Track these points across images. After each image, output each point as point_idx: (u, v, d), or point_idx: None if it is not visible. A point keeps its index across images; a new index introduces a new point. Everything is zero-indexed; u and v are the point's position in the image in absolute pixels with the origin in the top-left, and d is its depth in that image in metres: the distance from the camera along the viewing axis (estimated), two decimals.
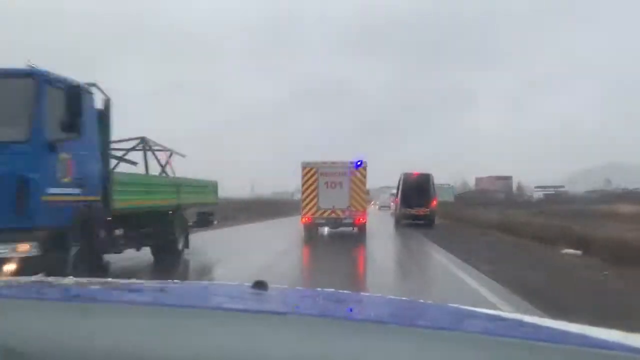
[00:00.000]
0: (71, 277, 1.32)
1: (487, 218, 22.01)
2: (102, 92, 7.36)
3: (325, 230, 17.25)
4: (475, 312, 1.03)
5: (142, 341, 0.77)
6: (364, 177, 16.16)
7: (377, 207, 57.15)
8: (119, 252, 7.86)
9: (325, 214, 15.89)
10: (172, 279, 1.41)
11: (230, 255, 11.15)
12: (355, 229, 16.29)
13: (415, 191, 21.43)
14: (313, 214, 15.91)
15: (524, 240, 13.99)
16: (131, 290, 1.18)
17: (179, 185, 10.29)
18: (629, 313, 5.15)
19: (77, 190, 6.34)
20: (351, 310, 1.13)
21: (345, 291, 1.24)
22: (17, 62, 6.05)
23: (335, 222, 16.16)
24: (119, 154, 9.56)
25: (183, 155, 11.73)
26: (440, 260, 10.49)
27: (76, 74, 6.64)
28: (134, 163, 10.07)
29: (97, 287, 1.20)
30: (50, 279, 1.27)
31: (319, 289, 1.26)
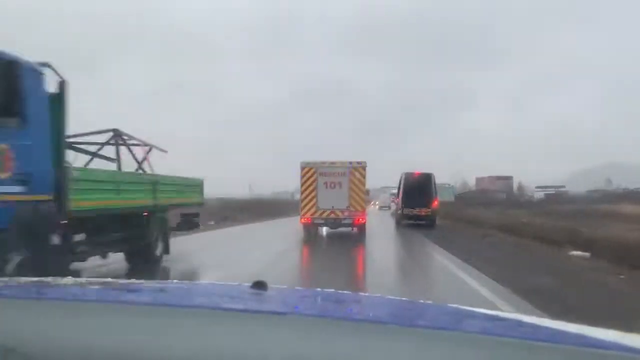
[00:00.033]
0: (70, 277, 1.32)
1: (489, 218, 21.80)
2: (57, 73, 6.31)
3: (324, 230, 17.18)
4: (474, 312, 1.03)
5: (141, 341, 0.77)
6: (364, 177, 16.10)
7: (377, 207, 57.14)
8: (81, 260, 6.98)
9: (325, 214, 15.86)
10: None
11: (218, 261, 10.37)
12: (355, 229, 16.25)
13: (417, 191, 21.19)
14: (312, 214, 15.88)
15: (528, 241, 13.68)
16: (131, 290, 1.18)
17: (156, 183, 9.16)
18: None
19: (18, 188, 5.36)
20: (351, 310, 1.13)
21: (344, 291, 1.24)
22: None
23: (334, 223, 16.12)
24: (91, 149, 8.86)
25: (165, 151, 10.90)
26: (443, 263, 10.13)
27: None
28: (111, 159, 9.28)
29: (96, 287, 1.20)
30: (50, 279, 1.27)
31: (318, 289, 1.26)
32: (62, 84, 6.27)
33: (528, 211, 27.49)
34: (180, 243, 12.23)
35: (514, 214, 23.57)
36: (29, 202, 5.53)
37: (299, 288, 1.37)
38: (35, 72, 5.75)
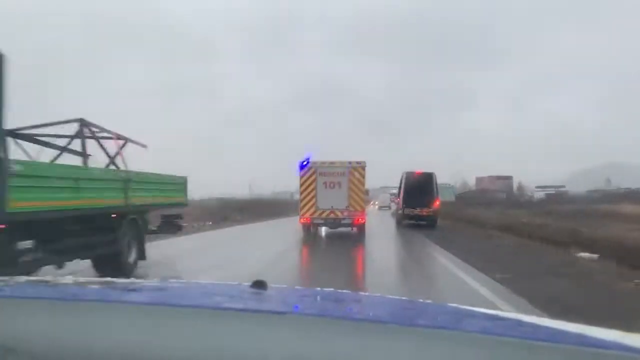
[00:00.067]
0: (70, 276, 1.32)
1: (491, 219, 21.59)
2: None
3: (323, 230, 17.14)
4: (474, 311, 1.03)
5: (141, 340, 0.77)
6: (363, 177, 16.08)
7: (376, 207, 57.14)
8: (29, 271, 5.79)
9: (324, 214, 15.85)
10: None
11: (202, 267, 9.43)
12: (355, 229, 16.23)
13: (418, 191, 20.89)
14: (312, 214, 15.88)
15: (533, 242, 13.37)
16: (130, 290, 1.18)
17: (127, 181, 8.12)
18: None
19: None
20: (350, 309, 1.13)
21: (344, 291, 1.24)
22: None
23: (334, 223, 16.12)
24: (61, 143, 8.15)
25: (144, 146, 10.10)
26: (448, 266, 9.69)
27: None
28: (84, 155, 8.51)
29: (96, 286, 1.20)
30: (49, 278, 1.27)
31: (318, 288, 1.26)
32: None
33: (529, 211, 27.32)
34: (166, 246, 11.84)
35: (515, 214, 23.36)
36: None
37: (298, 287, 1.37)
38: None
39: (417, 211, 20.99)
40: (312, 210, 15.86)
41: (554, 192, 70.93)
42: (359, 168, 16.10)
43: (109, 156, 9.10)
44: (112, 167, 9.03)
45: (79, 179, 6.85)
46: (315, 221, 16.07)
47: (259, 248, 13.27)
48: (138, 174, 8.86)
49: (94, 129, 8.82)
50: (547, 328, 0.90)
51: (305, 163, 16.07)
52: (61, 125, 8.54)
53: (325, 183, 15.92)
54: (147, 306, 0.94)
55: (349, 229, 16.33)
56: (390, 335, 0.78)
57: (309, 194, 15.96)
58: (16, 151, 6.90)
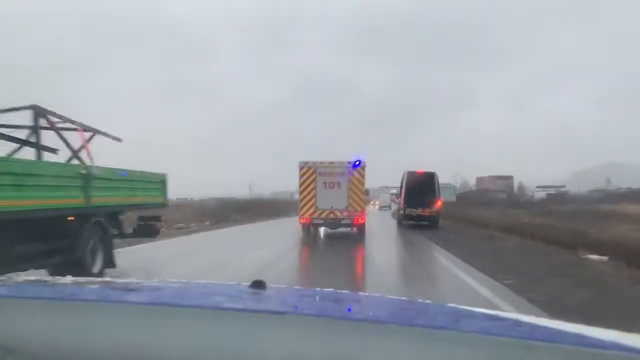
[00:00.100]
0: (69, 276, 1.31)
1: (493, 219, 21.37)
2: None
3: (322, 230, 17.08)
4: (473, 311, 1.03)
5: (140, 340, 0.77)
6: (363, 177, 16.05)
7: (376, 207, 57.18)
8: None
9: (324, 215, 15.82)
10: None
11: (184, 276, 7.79)
12: (354, 229, 16.21)
13: (420, 190, 20.53)
14: (311, 215, 15.86)
15: (538, 243, 13.04)
16: (130, 290, 1.18)
17: (89, 178, 7.15)
18: None
19: None
20: (350, 309, 1.12)
21: (343, 291, 1.24)
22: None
23: (333, 223, 16.09)
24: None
25: (118, 139, 9.28)
26: (452, 269, 9.25)
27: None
28: (51, 150, 7.89)
29: (96, 286, 1.20)
30: (48, 278, 1.27)
31: (317, 288, 1.25)
32: None
33: (530, 211, 27.20)
34: (149, 250, 11.25)
35: (517, 214, 23.23)
36: None
37: (297, 287, 1.37)
38: None
39: (419, 211, 20.69)
40: (311, 211, 15.84)
41: (554, 192, 71.01)
42: (358, 168, 16.09)
43: (71, 150, 8.13)
44: (77, 162, 8.05)
45: (22, 175, 5.98)
46: (315, 221, 16.04)
47: (255, 249, 12.84)
48: (104, 170, 7.87)
49: (52, 118, 7.84)
50: (545, 328, 0.90)
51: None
52: (14, 113, 7.58)
53: (324, 183, 15.89)
54: (146, 306, 0.95)
55: (348, 229, 16.29)
56: (390, 335, 0.78)
57: (308, 194, 15.93)
58: None
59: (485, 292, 6.83)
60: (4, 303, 0.94)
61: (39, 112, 7.63)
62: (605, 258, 9.66)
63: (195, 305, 0.96)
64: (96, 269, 7.60)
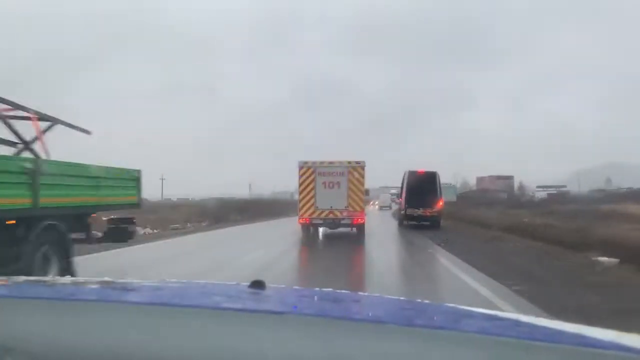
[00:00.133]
0: (69, 276, 1.31)
1: (495, 219, 21.13)
2: None
3: (320, 231, 17.04)
4: (472, 311, 1.03)
5: (140, 340, 0.77)
6: (362, 177, 16.01)
7: (376, 207, 57.23)
8: None
9: (323, 214, 15.80)
10: None
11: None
12: (354, 230, 16.19)
13: (421, 190, 20.33)
14: (311, 215, 15.84)
15: (543, 245, 12.70)
16: (129, 290, 1.18)
17: (38, 174, 6.13)
18: None
19: None
20: (349, 309, 1.12)
21: (342, 291, 1.24)
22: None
23: (333, 223, 16.05)
24: None
25: (87, 132, 8.47)
26: (457, 273, 8.74)
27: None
28: (11, 143, 7.11)
29: (95, 286, 1.20)
30: (48, 278, 1.27)
31: (316, 288, 1.25)
32: None
33: (532, 211, 26.98)
34: (125, 255, 10.30)
35: (518, 215, 23.01)
36: None
37: (297, 287, 1.37)
38: None
39: (420, 211, 20.49)
40: (311, 211, 15.82)
41: (555, 192, 71.01)
42: (358, 168, 16.04)
43: (22, 141, 7.28)
44: (26, 154, 7.25)
45: None
46: (315, 221, 16.03)
47: (252, 250, 12.39)
48: (59, 165, 6.85)
49: (1, 105, 7.06)
50: (544, 328, 0.90)
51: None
52: None
53: (324, 183, 15.87)
54: (145, 306, 0.95)
55: (348, 229, 16.27)
56: (389, 335, 0.78)
57: (308, 194, 15.91)
58: None
59: (498, 301, 6.20)
60: (4, 303, 0.94)
61: None
62: (615, 260, 9.32)
63: (194, 305, 0.96)
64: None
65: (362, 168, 16.09)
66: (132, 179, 8.90)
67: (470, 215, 26.07)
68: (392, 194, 49.06)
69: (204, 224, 23.94)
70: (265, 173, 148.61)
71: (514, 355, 0.72)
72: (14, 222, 6.02)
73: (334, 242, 15.33)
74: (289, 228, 19.01)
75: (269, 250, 12.42)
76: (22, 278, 1.29)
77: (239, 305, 0.97)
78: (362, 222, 16.02)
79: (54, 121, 7.82)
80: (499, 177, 79.17)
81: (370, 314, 1.08)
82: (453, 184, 63.47)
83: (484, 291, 6.92)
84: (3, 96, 7.08)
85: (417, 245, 14.55)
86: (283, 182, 73.56)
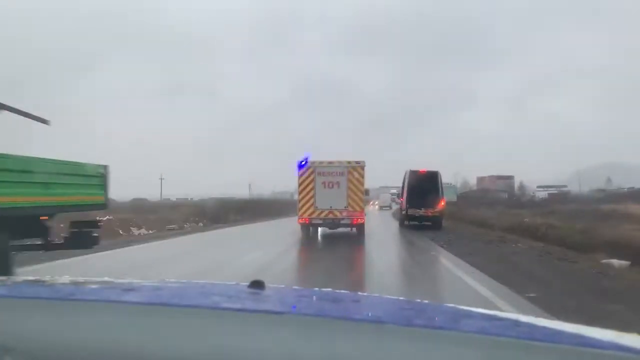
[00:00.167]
0: (67, 276, 1.31)
1: (497, 220, 20.96)
2: None
3: (319, 231, 16.99)
4: (471, 311, 1.04)
5: (139, 340, 0.77)
6: (362, 176, 15.96)
7: (376, 207, 57.22)
8: None
9: (323, 214, 15.77)
10: None
11: None
12: (354, 230, 16.16)
13: (423, 190, 20.03)
14: (310, 215, 15.81)
15: (549, 246, 12.39)
16: (129, 290, 1.18)
17: None
18: None
19: None
20: (348, 309, 1.12)
21: (342, 291, 1.24)
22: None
23: (332, 223, 16.02)
24: None
25: (45, 122, 7.69)
26: (461, 276, 8.36)
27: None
28: None
29: (94, 286, 1.20)
30: (47, 278, 1.27)
31: (316, 288, 1.25)
32: None
33: (533, 211, 26.84)
34: (93, 262, 9.18)
35: (519, 215, 22.82)
36: None
37: (296, 287, 1.37)
38: None
39: (422, 212, 20.21)
40: (310, 211, 15.79)
41: (556, 191, 71.01)
42: (358, 168, 16.00)
43: None
44: None
45: None
46: (314, 221, 15.99)
47: (248, 252, 11.80)
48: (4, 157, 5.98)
49: None
50: (544, 328, 0.91)
51: (303, 163, 15.89)
52: None
53: (324, 183, 15.83)
54: (145, 306, 0.95)
55: (348, 229, 16.23)
56: (388, 335, 0.78)
57: (307, 193, 15.89)
58: None
59: (512, 311, 5.36)
60: (3, 303, 0.95)
61: None
62: (626, 263, 8.96)
63: (194, 305, 0.96)
64: None
65: (362, 168, 16.05)
66: (97, 175, 7.80)
67: (470, 215, 26.00)
68: (393, 194, 49.06)
69: (200, 224, 23.74)
70: (265, 173, 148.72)
71: (513, 355, 0.72)
72: None
73: (334, 242, 15.25)
74: (288, 228, 18.97)
75: (268, 251, 12.32)
76: (22, 278, 1.28)
77: (238, 305, 0.97)
78: (361, 222, 15.99)
79: (2, 107, 6.91)
80: (499, 177, 79.20)
81: (369, 314, 1.08)
82: (453, 183, 63.50)
83: (497, 300, 6.40)
84: None
85: (419, 245, 14.37)
86: (283, 182, 73.61)
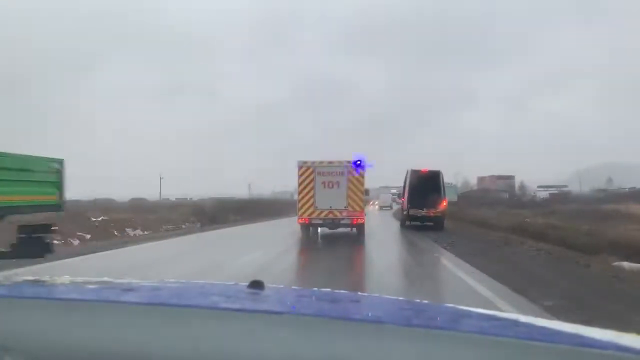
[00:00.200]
0: (67, 276, 1.31)
1: (498, 220, 20.74)
2: None
3: (319, 231, 16.94)
4: (471, 311, 1.04)
5: (139, 340, 0.77)
6: (362, 176, 15.92)
7: (376, 207, 57.19)
8: None
9: (323, 214, 15.74)
10: None
11: None
12: (354, 230, 16.13)
13: (424, 190, 19.73)
14: (310, 215, 15.78)
15: (555, 247, 12.09)
16: (128, 290, 1.18)
17: None
18: None
19: None
20: (348, 309, 1.12)
21: (341, 291, 1.24)
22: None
23: (332, 223, 15.98)
24: None
25: None
26: (465, 280, 8.00)
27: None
28: None
29: (94, 286, 1.20)
30: (47, 278, 1.27)
31: (315, 288, 1.25)
32: None
33: (534, 211, 26.68)
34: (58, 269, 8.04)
35: (521, 215, 22.65)
36: None
37: (295, 288, 1.36)
38: None
39: (424, 212, 19.93)
40: (310, 211, 15.76)
41: (557, 191, 70.94)
42: (361, 169, 15.96)
43: None
44: None
45: None
46: (314, 221, 15.96)
47: (247, 253, 11.59)
48: None
49: None
50: (543, 328, 0.91)
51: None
52: None
53: (323, 183, 15.79)
54: (144, 306, 0.95)
55: (348, 229, 16.19)
56: (388, 335, 0.78)
57: (307, 193, 15.85)
58: None
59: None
60: (3, 303, 0.94)
61: None
62: (637, 265, 8.76)
63: (193, 305, 0.96)
64: None
65: (362, 168, 16.02)
66: (51, 171, 6.82)
67: (471, 215, 25.83)
68: (393, 194, 48.99)
69: (198, 225, 23.52)
70: (265, 173, 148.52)
71: (513, 355, 0.72)
72: None
73: (334, 242, 15.18)
74: (288, 228, 18.90)
75: (267, 251, 12.25)
76: (22, 278, 1.28)
77: (238, 306, 0.97)
78: (361, 222, 15.94)
79: None
80: (499, 177, 79.12)
81: (369, 314, 1.09)
82: (454, 183, 63.42)
83: (512, 310, 5.58)
84: None
85: (421, 246, 14.17)
86: (283, 182, 73.64)
